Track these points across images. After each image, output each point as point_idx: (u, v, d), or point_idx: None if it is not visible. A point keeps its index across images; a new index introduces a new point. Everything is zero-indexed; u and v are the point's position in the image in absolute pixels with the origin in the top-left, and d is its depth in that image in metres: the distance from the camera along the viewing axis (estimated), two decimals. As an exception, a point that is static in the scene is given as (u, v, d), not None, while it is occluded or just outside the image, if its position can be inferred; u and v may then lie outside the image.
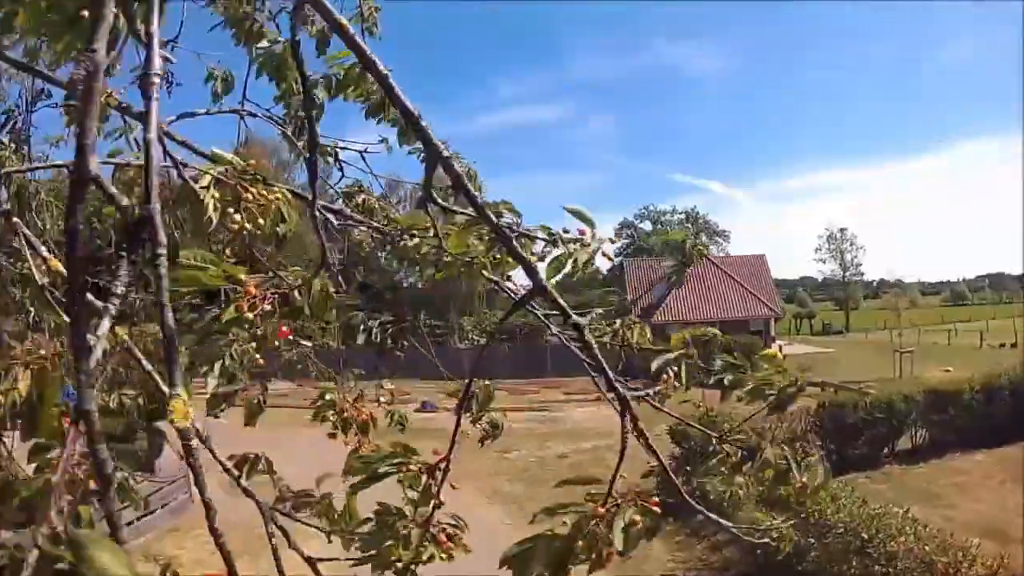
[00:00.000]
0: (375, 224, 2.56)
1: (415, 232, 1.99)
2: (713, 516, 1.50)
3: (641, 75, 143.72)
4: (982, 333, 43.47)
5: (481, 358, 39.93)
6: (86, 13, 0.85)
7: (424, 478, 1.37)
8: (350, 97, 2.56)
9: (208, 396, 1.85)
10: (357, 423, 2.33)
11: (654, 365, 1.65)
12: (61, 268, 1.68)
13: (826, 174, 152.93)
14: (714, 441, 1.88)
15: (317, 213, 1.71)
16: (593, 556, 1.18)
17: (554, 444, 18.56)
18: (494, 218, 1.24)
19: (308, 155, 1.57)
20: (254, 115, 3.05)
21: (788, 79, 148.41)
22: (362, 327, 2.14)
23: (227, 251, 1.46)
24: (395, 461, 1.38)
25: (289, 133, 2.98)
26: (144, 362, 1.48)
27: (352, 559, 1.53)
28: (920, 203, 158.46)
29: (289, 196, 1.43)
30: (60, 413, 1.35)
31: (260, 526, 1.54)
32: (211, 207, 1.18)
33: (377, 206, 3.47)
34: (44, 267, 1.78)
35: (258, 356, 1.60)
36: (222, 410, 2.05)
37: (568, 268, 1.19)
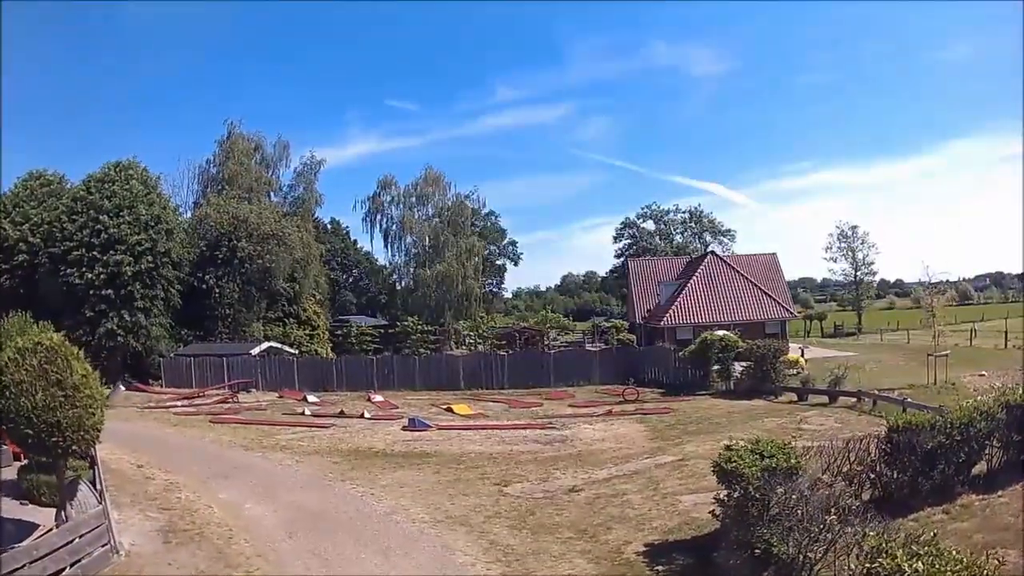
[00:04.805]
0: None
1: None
2: None
3: (641, 76, 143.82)
4: (1006, 334, 42.61)
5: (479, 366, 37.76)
6: None
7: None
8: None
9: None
10: None
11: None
12: None
13: (824, 175, 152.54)
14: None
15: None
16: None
17: (562, 473, 15.50)
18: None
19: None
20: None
21: (787, 79, 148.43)
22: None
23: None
24: None
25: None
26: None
27: None
28: (920, 203, 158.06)
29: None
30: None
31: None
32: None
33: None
34: None
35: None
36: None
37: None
